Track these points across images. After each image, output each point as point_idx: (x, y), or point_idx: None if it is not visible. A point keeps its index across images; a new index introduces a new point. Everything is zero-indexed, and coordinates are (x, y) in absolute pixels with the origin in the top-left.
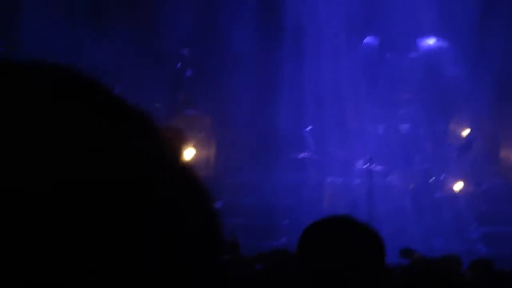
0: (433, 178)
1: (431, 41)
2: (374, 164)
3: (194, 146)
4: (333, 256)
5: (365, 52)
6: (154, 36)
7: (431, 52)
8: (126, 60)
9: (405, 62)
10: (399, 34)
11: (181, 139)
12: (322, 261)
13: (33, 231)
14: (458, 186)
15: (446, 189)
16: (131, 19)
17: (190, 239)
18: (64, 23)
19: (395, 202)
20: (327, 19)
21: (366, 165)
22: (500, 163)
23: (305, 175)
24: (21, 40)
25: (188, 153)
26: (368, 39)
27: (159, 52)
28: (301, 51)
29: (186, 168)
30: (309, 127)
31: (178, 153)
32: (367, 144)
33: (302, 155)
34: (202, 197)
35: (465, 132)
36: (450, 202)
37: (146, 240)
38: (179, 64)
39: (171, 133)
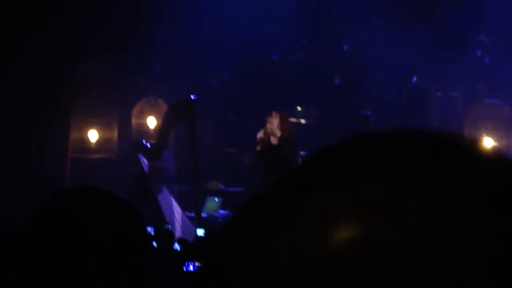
0: None
1: None
2: None
3: (493, 136)
4: None
5: None
6: (449, 24)
7: None
8: (422, 50)
9: None
10: None
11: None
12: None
13: None
14: None
15: None
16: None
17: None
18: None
19: None
20: None
21: None
22: None
23: None
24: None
25: (487, 143)
26: None
27: (456, 40)
28: None
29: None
30: None
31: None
32: None
33: None
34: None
35: None
36: None
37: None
38: (478, 52)
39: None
